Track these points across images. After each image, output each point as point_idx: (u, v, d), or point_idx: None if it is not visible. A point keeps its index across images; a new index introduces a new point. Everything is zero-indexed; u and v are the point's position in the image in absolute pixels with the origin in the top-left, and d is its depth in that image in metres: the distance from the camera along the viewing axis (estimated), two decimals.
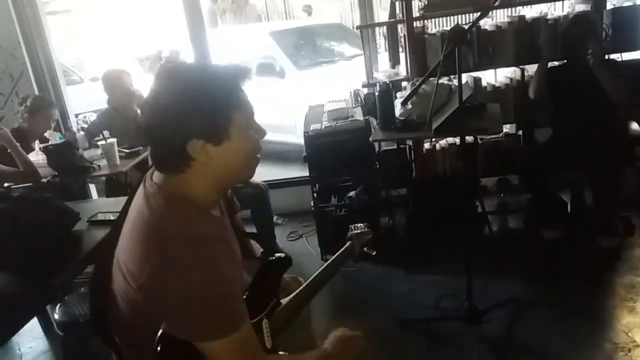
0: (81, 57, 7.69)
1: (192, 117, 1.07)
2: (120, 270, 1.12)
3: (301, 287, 1.48)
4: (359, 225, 1.93)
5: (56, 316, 2.08)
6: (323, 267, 1.63)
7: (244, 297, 1.26)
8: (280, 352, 1.34)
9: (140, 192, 1.18)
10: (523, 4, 3.45)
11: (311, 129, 3.23)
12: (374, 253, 1.89)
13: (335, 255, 1.76)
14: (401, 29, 3.58)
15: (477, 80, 3.41)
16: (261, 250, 1.71)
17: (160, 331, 1.05)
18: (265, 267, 1.40)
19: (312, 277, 1.56)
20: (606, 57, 3.06)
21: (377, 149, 3.46)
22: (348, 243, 1.83)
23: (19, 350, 2.83)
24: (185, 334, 1.04)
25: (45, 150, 3.09)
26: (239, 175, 1.22)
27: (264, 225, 3.41)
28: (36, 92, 3.84)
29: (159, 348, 1.05)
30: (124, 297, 1.10)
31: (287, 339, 1.48)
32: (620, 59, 3.23)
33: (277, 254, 1.45)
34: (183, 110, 1.07)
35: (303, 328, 1.74)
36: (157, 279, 1.04)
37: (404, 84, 3.47)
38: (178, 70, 1.13)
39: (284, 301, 1.43)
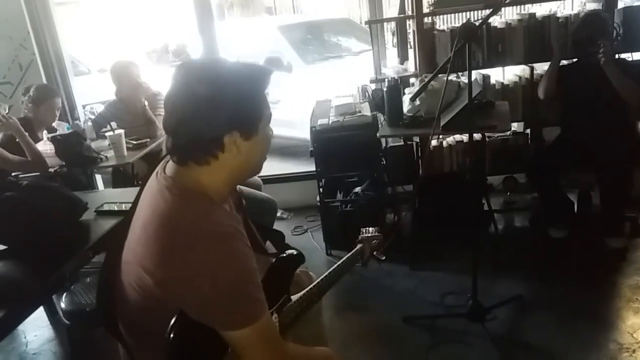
0: (89, 48, 7.70)
1: (234, 110, 1.10)
2: (134, 263, 1.12)
3: (311, 286, 1.49)
4: (370, 229, 1.96)
5: (62, 305, 2.09)
6: (333, 267, 1.63)
7: None
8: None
9: (152, 184, 1.18)
10: (533, 2, 3.43)
11: (318, 123, 3.22)
12: (384, 258, 1.93)
13: (346, 257, 1.77)
14: (410, 25, 3.57)
15: (486, 78, 3.39)
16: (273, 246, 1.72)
17: (173, 320, 1.05)
18: (277, 263, 1.41)
19: (322, 276, 1.57)
20: (616, 56, 3.04)
21: (384, 145, 3.46)
22: (359, 246, 1.86)
23: (25, 338, 2.85)
24: (212, 325, 1.06)
25: (53, 140, 3.10)
26: (251, 172, 1.26)
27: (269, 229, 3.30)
28: (44, 82, 3.86)
29: (171, 336, 1.05)
30: (138, 290, 1.11)
31: (298, 331, 1.47)
32: (630, 59, 3.21)
33: (289, 251, 1.46)
34: (226, 103, 1.10)
35: (314, 321, 1.73)
36: (179, 275, 1.05)
37: (412, 80, 3.46)
38: (212, 65, 1.17)
39: (294, 297, 1.44)
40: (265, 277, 1.34)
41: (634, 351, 2.19)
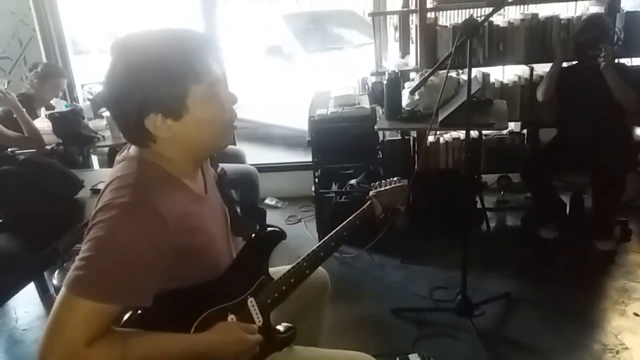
0: (90, 28, 7.64)
1: (146, 91, 1.05)
2: None
3: (300, 259, 1.43)
4: (384, 181, 1.73)
5: (55, 281, 2.11)
6: (329, 235, 1.52)
7: (225, 275, 1.26)
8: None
9: (116, 162, 1.20)
10: (537, 2, 3.44)
11: (317, 113, 3.23)
12: (402, 208, 1.73)
13: (347, 220, 1.58)
14: (413, 20, 3.57)
15: (486, 76, 3.40)
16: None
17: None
18: (251, 244, 1.35)
19: (315, 246, 1.46)
20: (616, 60, 3.06)
21: (381, 138, 3.47)
22: (367, 203, 1.66)
23: (15, 314, 2.86)
24: (66, 277, 1.01)
25: (51, 117, 3.10)
26: (211, 146, 1.20)
27: (249, 205, 3.32)
28: (44, 59, 3.85)
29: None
30: None
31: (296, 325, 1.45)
32: (630, 64, 3.22)
33: (265, 230, 1.38)
34: (137, 84, 1.05)
35: (314, 319, 1.72)
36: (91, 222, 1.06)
37: (412, 75, 3.47)
38: (131, 41, 1.10)
39: (282, 271, 1.40)
40: (238, 259, 1.31)
41: (617, 352, 2.23)
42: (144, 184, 1.07)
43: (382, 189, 1.72)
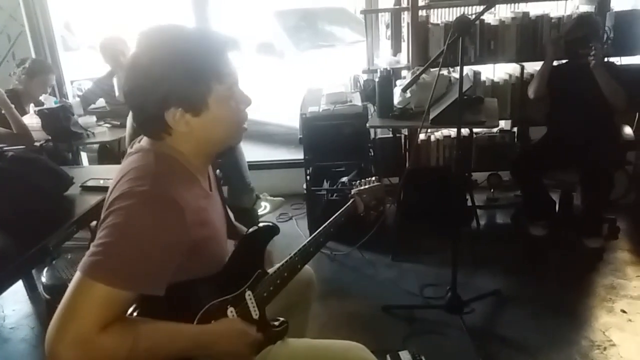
0: (80, 24, 7.57)
1: (170, 86, 1.07)
2: None
3: (292, 254, 1.45)
4: (365, 180, 1.83)
5: (43, 279, 2.08)
6: (317, 231, 1.58)
7: (224, 269, 1.26)
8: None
9: (129, 153, 1.19)
10: (527, 1, 3.45)
11: (309, 111, 3.23)
12: (388, 205, 1.82)
13: (333, 217, 1.66)
14: (404, 18, 3.58)
15: (477, 74, 3.41)
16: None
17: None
18: (246, 239, 1.37)
19: (305, 242, 1.51)
20: (605, 59, 3.08)
21: (372, 136, 3.47)
22: (350, 201, 1.75)
23: (3, 312, 2.83)
24: (82, 263, 1.00)
25: (40, 113, 3.08)
26: (223, 143, 1.23)
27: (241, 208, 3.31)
28: (33, 55, 3.81)
29: None
30: None
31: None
32: (619, 63, 3.25)
33: (260, 225, 1.40)
34: (162, 78, 1.06)
35: (300, 315, 1.72)
36: (106, 209, 1.05)
37: (404, 72, 3.47)
38: (161, 34, 1.11)
39: (273, 267, 1.42)
40: (235, 253, 1.32)
41: (605, 348, 2.25)
42: (163, 175, 1.08)
43: (362, 187, 1.81)
